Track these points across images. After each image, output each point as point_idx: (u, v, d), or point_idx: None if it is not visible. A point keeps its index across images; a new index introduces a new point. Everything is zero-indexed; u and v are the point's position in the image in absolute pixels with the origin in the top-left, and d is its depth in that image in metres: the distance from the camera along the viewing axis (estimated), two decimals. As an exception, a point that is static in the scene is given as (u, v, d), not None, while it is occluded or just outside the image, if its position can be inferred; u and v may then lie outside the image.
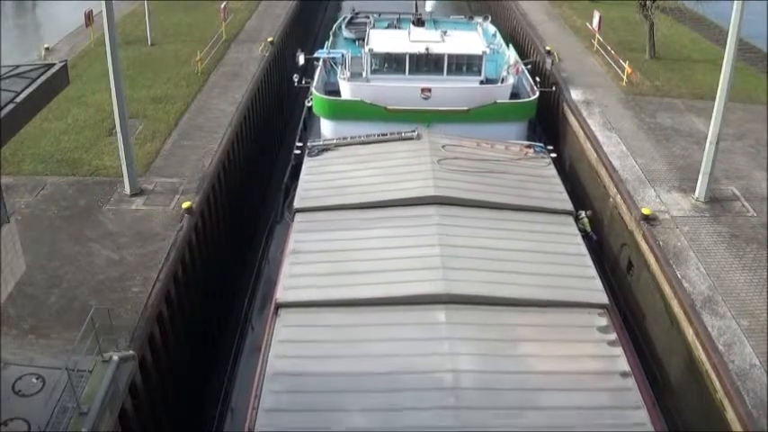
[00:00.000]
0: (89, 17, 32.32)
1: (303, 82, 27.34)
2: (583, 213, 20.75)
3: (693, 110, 26.80)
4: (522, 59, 29.78)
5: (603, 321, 15.62)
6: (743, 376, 14.55)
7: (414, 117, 24.69)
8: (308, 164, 22.78)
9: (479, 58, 26.33)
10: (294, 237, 18.68)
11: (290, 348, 14.81)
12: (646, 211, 19.74)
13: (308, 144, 24.01)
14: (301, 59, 28.11)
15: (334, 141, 23.91)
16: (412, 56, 26.24)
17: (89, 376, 13.50)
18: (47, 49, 32.74)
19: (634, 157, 23.10)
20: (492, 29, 33.44)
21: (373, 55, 26.36)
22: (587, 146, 24.74)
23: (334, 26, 34.05)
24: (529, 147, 23.67)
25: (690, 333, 16.18)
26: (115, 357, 13.91)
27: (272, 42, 33.62)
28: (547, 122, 28.77)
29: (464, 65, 26.51)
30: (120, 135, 19.99)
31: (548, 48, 32.43)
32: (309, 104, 27.04)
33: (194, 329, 18.87)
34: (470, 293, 16.06)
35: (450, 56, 26.24)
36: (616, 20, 36.05)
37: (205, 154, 23.00)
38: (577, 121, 26.15)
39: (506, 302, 15.94)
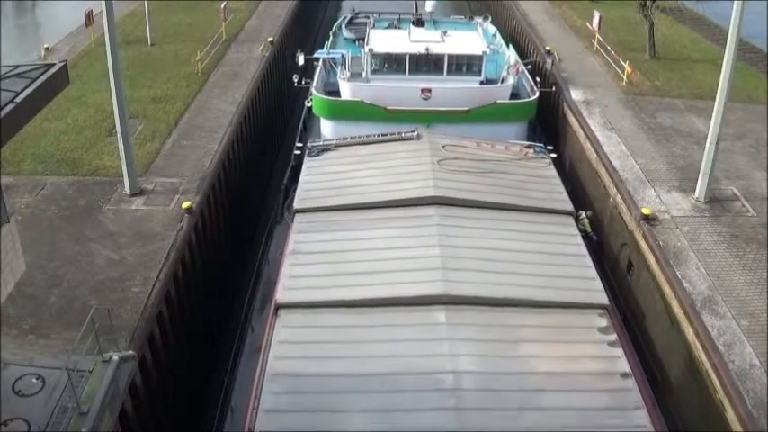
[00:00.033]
0: (89, 17, 32.31)
1: (303, 82, 27.37)
2: (583, 214, 20.75)
3: (693, 110, 26.80)
4: (522, 59, 29.78)
5: (604, 322, 15.61)
6: (743, 376, 14.56)
7: (414, 117, 24.67)
8: (307, 164, 22.75)
9: (479, 58, 26.32)
10: (294, 237, 18.67)
11: (289, 349, 14.79)
12: (646, 211, 19.74)
13: (308, 144, 23.97)
14: (301, 60, 28.11)
15: (334, 142, 23.87)
16: (412, 56, 26.22)
17: (89, 376, 13.50)
18: (47, 49, 32.72)
19: (634, 158, 23.10)
20: (492, 29, 33.42)
21: (373, 55, 26.34)
22: (587, 146, 24.73)
23: (334, 26, 34.05)
24: (529, 147, 23.64)
25: (690, 333, 16.19)
26: (115, 357, 13.91)
27: (272, 42, 33.61)
28: (547, 123, 28.76)
29: (464, 65, 26.48)
30: (120, 135, 20.00)
31: (548, 48, 32.43)
32: (309, 105, 27.02)
33: (194, 329, 18.87)
34: (471, 294, 16.04)
35: (450, 56, 26.23)
36: (616, 20, 36.05)
37: (205, 154, 22.99)
38: (577, 122, 26.13)
39: (506, 303, 15.92)
